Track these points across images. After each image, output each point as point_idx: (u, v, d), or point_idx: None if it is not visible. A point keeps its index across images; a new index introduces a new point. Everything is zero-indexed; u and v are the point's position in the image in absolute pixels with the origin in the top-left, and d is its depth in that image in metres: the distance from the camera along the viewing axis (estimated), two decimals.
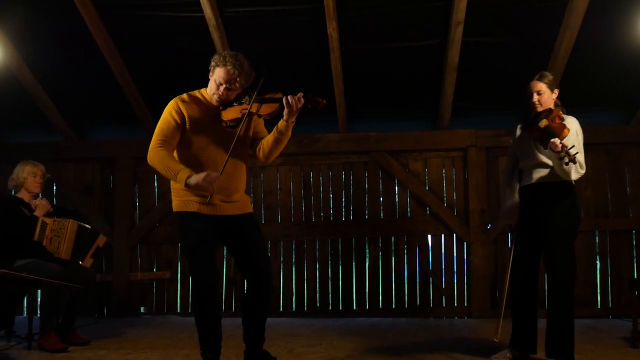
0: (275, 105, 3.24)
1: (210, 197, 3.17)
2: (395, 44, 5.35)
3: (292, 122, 3.26)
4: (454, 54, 5.14)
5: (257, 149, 3.43)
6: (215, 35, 5.09)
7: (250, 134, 3.43)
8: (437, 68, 5.49)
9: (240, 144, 3.34)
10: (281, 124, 3.27)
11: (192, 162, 3.26)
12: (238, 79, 3.25)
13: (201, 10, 4.95)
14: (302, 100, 3.17)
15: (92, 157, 6.30)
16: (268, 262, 3.47)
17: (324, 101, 3.22)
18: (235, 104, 3.31)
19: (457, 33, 4.97)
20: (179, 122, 3.25)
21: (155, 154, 3.22)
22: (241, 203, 3.39)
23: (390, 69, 5.58)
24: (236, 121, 3.27)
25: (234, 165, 3.34)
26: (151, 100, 5.75)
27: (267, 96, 3.27)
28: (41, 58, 5.52)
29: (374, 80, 5.70)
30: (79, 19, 5.03)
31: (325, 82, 5.47)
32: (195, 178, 3.10)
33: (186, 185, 3.12)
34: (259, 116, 3.32)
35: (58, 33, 5.35)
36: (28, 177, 4.57)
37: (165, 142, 3.23)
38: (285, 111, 3.20)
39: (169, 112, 3.28)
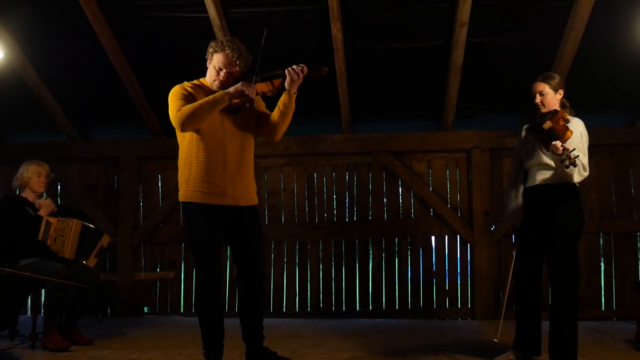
0: (277, 81, 3.29)
1: (251, 103, 3.26)
2: (399, 44, 5.35)
3: (295, 94, 3.31)
4: (458, 54, 5.14)
5: (264, 127, 3.46)
6: (219, 35, 5.10)
7: (255, 114, 3.45)
8: (441, 69, 5.48)
9: (246, 125, 3.37)
10: (284, 97, 3.31)
11: (200, 146, 3.28)
12: (237, 62, 3.30)
13: (206, 11, 4.97)
14: (305, 68, 3.22)
15: (96, 157, 6.32)
16: (263, 259, 3.49)
17: (326, 68, 3.26)
18: None
19: (462, 34, 4.97)
20: (189, 95, 3.28)
21: (182, 112, 3.18)
22: (250, 191, 3.42)
23: (394, 70, 5.57)
24: (241, 103, 3.30)
25: (242, 146, 3.37)
26: (155, 101, 5.76)
27: (268, 74, 3.32)
28: (46, 58, 5.55)
29: (377, 80, 5.70)
30: (83, 19, 5.05)
31: (329, 82, 5.46)
32: (233, 87, 3.20)
33: (228, 95, 3.18)
34: (264, 94, 3.36)
35: (63, 33, 5.37)
36: (32, 176, 4.58)
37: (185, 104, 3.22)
38: (288, 81, 3.25)
39: (178, 90, 3.30)
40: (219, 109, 3.23)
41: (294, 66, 3.22)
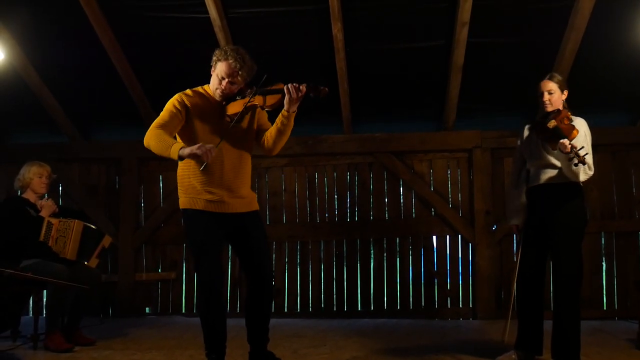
0: (277, 96, 3.26)
1: (206, 165, 3.07)
2: (401, 44, 5.35)
3: (294, 111, 3.27)
4: (459, 54, 5.14)
5: (262, 141, 3.44)
6: (220, 36, 5.11)
7: (255, 127, 3.44)
8: (442, 69, 5.48)
9: (244, 137, 3.36)
10: (283, 113, 3.28)
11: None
12: (240, 72, 3.27)
13: (206, 11, 4.97)
14: (304, 88, 3.18)
15: (98, 158, 6.32)
16: (271, 262, 3.48)
17: (326, 89, 3.20)
18: (238, 97, 3.33)
19: (462, 34, 4.97)
20: (181, 112, 3.26)
21: (151, 133, 3.18)
22: (248, 199, 3.41)
23: (395, 70, 5.57)
24: (239, 114, 3.29)
25: (239, 158, 3.36)
26: (156, 101, 5.72)
27: (269, 88, 3.29)
28: (47, 59, 5.55)
29: (378, 81, 5.70)
30: (84, 20, 5.05)
31: (330, 82, 5.46)
32: (189, 148, 3.04)
33: (179, 156, 3.04)
34: (262, 108, 3.33)
35: (64, 34, 5.37)
36: (34, 177, 4.59)
37: (162, 126, 3.20)
38: (286, 99, 3.21)
39: (172, 103, 3.29)
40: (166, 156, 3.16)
41: (293, 84, 3.18)
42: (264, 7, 5.06)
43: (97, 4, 5.04)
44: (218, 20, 5.00)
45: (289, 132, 3.35)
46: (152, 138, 3.18)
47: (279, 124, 3.31)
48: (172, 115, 3.25)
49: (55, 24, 5.29)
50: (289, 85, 3.18)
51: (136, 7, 5.12)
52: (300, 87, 3.17)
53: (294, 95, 3.17)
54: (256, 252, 3.38)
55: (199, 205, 3.26)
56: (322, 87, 3.20)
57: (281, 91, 3.23)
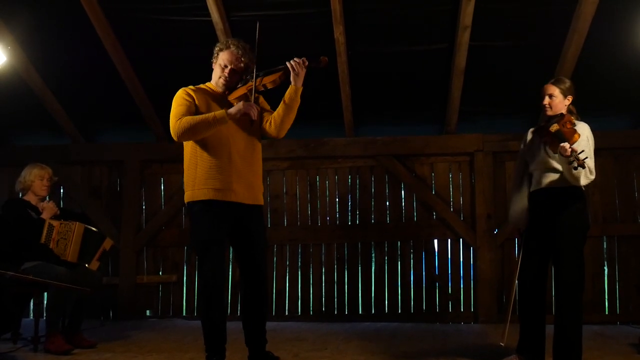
0: (278, 74, 3.33)
1: (253, 122, 3.26)
2: (402, 48, 5.36)
3: (300, 88, 3.33)
4: (461, 58, 5.14)
5: (267, 123, 3.47)
6: (222, 39, 5.10)
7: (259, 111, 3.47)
8: (444, 72, 5.48)
9: (250, 123, 3.38)
10: (290, 89, 3.34)
11: (205, 146, 3.31)
12: (242, 59, 3.37)
13: (209, 15, 4.98)
14: (306, 61, 3.27)
15: (100, 160, 6.32)
16: (266, 262, 3.53)
17: (326, 58, 3.30)
18: (240, 85, 3.41)
19: (464, 37, 4.97)
20: (191, 101, 3.34)
21: (181, 123, 3.25)
22: (255, 191, 3.43)
23: (397, 73, 5.58)
24: (243, 98, 3.35)
25: (246, 144, 3.40)
26: (159, 104, 5.76)
27: (270, 69, 3.37)
28: (49, 61, 5.56)
29: (380, 84, 5.70)
30: (87, 23, 5.07)
31: (332, 86, 5.47)
32: (235, 107, 3.25)
33: (228, 115, 3.21)
34: (264, 87, 3.38)
35: (66, 36, 5.39)
36: (35, 179, 4.59)
37: (184, 115, 3.28)
38: (292, 75, 3.28)
39: (181, 96, 3.37)
40: (218, 127, 3.26)
41: (295, 59, 3.27)
42: (266, 10, 5.07)
43: (99, 6, 5.05)
44: (220, 24, 5.01)
45: (295, 110, 3.40)
46: (185, 125, 3.24)
47: (287, 100, 3.36)
48: (187, 105, 3.32)
49: (57, 26, 5.30)
50: (293, 61, 3.27)
51: (138, 9, 5.14)
52: (303, 60, 3.26)
53: (298, 69, 3.26)
54: (254, 251, 3.40)
55: (206, 196, 3.28)
56: (321, 57, 3.29)
57: (282, 69, 3.32)
